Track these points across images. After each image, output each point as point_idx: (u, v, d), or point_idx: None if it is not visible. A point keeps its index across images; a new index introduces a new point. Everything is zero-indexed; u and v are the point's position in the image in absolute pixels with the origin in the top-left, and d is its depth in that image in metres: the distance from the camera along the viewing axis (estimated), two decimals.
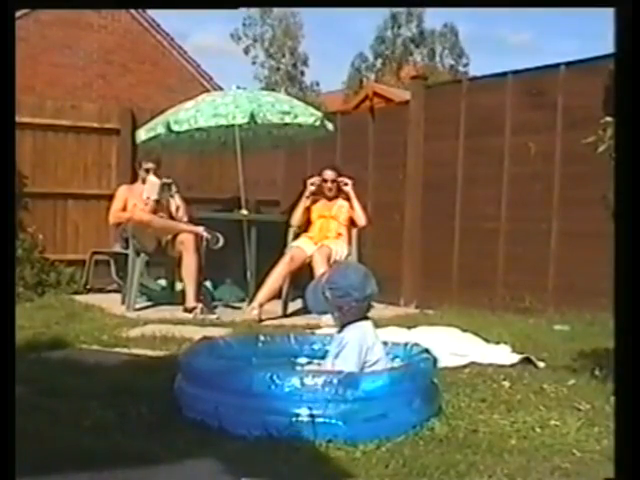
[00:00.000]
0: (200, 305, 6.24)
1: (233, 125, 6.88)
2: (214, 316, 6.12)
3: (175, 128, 6.87)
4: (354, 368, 3.07)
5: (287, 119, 6.92)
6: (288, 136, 8.00)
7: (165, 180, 6.70)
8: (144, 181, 6.84)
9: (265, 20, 32.08)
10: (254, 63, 32.48)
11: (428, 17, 32.78)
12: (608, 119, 3.26)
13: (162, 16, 16.98)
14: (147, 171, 6.80)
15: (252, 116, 6.67)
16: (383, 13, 31.38)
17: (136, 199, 6.74)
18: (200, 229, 6.55)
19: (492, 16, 41.30)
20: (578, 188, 6.01)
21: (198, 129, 7.29)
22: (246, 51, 32.49)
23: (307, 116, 6.98)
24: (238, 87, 7.46)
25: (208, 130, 7.48)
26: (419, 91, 7.58)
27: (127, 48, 16.16)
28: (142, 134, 7.20)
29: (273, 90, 24.31)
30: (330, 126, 7.24)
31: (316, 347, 3.75)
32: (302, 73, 32.56)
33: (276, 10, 31.57)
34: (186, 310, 6.24)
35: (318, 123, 6.96)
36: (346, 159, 8.31)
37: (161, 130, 6.97)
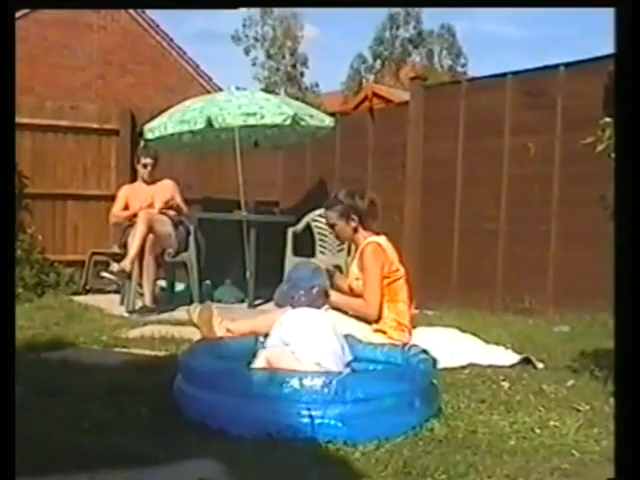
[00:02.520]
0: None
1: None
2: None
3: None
4: (274, 342, 3.38)
5: (252, 120, 6.84)
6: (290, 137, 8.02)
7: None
8: (142, 177, 6.86)
9: (266, 21, 32.04)
10: (254, 64, 32.45)
11: (427, 17, 32.73)
12: (607, 119, 3.26)
13: (163, 17, 16.97)
14: (145, 166, 6.83)
15: (209, 120, 6.71)
16: (381, 14, 31.38)
17: (137, 199, 6.74)
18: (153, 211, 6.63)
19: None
20: (577, 189, 6.01)
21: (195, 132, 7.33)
22: (247, 51, 32.43)
23: (276, 115, 6.83)
24: (237, 88, 7.47)
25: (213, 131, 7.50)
26: (418, 92, 7.58)
27: (126, 49, 16.16)
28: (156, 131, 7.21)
29: (273, 91, 24.28)
30: (304, 123, 7.03)
31: None
32: (302, 74, 32.52)
33: (277, 10, 31.54)
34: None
35: (289, 122, 6.82)
36: (345, 160, 8.32)
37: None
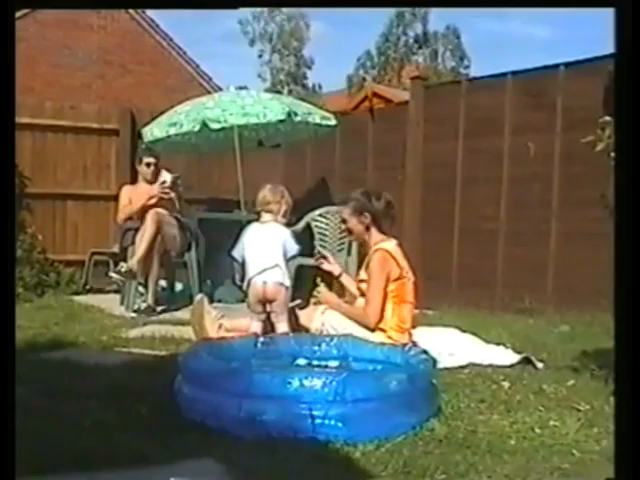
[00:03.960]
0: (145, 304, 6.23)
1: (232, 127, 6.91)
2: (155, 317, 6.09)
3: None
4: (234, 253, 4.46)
5: (254, 119, 6.81)
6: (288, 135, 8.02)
7: (175, 175, 6.70)
8: (145, 178, 6.82)
9: (273, 18, 32.03)
10: (261, 56, 32.33)
11: (435, 17, 32.63)
12: (607, 118, 3.26)
13: (162, 16, 16.94)
14: (148, 165, 6.77)
15: (204, 123, 6.69)
16: (389, 13, 31.37)
17: (140, 198, 6.70)
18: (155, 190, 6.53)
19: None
20: (577, 188, 6.01)
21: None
22: (252, 43, 32.30)
23: (277, 114, 6.80)
24: (240, 87, 7.46)
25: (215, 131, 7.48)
26: (418, 92, 7.57)
27: (126, 49, 16.14)
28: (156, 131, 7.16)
29: (277, 91, 24.25)
30: (299, 119, 6.98)
31: (316, 348, 3.75)
32: (304, 75, 32.53)
33: (285, 10, 31.53)
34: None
35: (283, 117, 6.77)
36: (345, 160, 8.32)
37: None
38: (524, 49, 40.09)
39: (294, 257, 4.59)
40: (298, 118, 6.91)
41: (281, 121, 6.96)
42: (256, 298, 4.33)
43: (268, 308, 4.40)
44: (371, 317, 4.13)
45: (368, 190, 4.48)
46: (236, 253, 4.48)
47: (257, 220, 4.65)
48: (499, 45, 46.62)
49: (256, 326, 4.33)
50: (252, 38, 32.31)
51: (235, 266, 4.60)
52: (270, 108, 6.86)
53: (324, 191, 8.34)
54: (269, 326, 4.39)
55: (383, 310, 4.14)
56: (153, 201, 6.53)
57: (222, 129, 7.12)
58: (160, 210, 6.45)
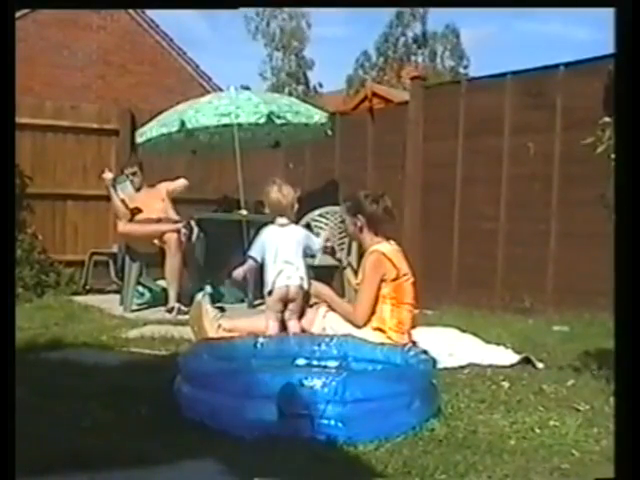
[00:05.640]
0: (178, 305, 6.19)
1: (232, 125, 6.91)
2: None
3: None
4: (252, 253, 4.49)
5: (226, 120, 6.86)
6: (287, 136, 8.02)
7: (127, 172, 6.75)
8: (134, 187, 6.80)
9: (275, 17, 31.91)
10: (265, 45, 32.18)
11: (436, 17, 32.53)
12: (607, 119, 3.27)
13: (162, 16, 16.94)
14: (134, 174, 6.77)
15: (183, 122, 6.78)
16: (389, 13, 31.31)
17: (138, 205, 6.69)
18: (179, 225, 6.51)
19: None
20: (577, 188, 6.01)
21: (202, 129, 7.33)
22: (253, 35, 32.14)
23: (250, 115, 6.88)
24: (236, 88, 7.46)
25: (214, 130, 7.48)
26: (418, 92, 7.58)
27: (126, 49, 16.14)
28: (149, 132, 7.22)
29: (276, 91, 24.23)
30: (282, 121, 7.06)
31: (315, 348, 3.75)
32: (305, 75, 32.46)
33: (287, 9, 31.40)
34: (167, 310, 6.21)
35: (263, 120, 6.87)
36: (345, 160, 8.31)
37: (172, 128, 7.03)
38: (560, 50, 39.77)
39: (323, 250, 4.67)
40: (280, 120, 6.93)
41: (263, 124, 7.02)
42: (278, 297, 4.39)
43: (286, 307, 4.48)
44: (358, 316, 4.21)
45: (369, 193, 4.54)
46: (255, 253, 4.52)
47: (259, 219, 4.69)
48: (538, 46, 46.12)
49: (273, 326, 4.38)
50: (254, 35, 32.18)
51: (249, 264, 4.57)
52: (242, 108, 6.88)
53: (324, 191, 8.33)
54: (283, 326, 4.45)
55: (373, 312, 4.19)
56: (155, 215, 6.57)
57: (205, 128, 7.19)
58: (174, 229, 6.45)
